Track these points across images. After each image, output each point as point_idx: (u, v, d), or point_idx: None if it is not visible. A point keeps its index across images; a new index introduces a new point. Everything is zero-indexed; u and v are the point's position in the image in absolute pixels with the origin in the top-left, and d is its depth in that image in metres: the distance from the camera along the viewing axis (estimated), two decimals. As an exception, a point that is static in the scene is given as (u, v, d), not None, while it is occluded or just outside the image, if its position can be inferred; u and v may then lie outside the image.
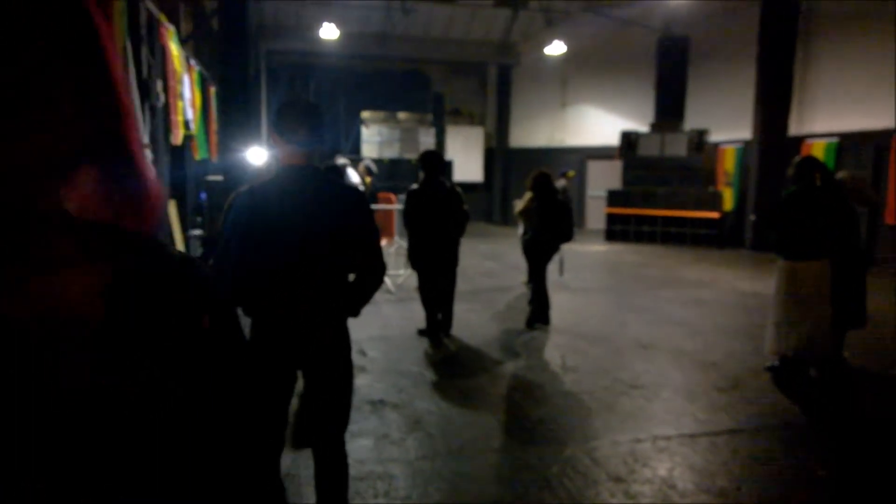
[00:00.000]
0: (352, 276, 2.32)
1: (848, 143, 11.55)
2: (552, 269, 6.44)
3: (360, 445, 3.44)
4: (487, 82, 19.86)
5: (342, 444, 2.37)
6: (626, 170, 14.82)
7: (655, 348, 5.54)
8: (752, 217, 12.90)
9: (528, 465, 3.27)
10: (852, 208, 4.82)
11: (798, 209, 4.58)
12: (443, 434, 3.64)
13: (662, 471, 3.23)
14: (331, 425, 2.34)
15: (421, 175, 5.48)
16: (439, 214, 5.39)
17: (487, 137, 19.55)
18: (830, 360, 4.76)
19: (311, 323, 2.20)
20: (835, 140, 11.72)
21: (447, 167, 5.15)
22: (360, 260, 2.27)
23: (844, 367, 4.94)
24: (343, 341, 2.31)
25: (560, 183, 13.93)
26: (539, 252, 6.27)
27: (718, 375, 4.81)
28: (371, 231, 2.28)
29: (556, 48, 15.42)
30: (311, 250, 2.16)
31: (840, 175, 4.92)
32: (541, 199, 6.15)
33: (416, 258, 5.59)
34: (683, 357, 5.30)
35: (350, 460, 3.17)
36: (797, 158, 4.79)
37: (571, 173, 14.59)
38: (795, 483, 3.18)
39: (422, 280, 5.67)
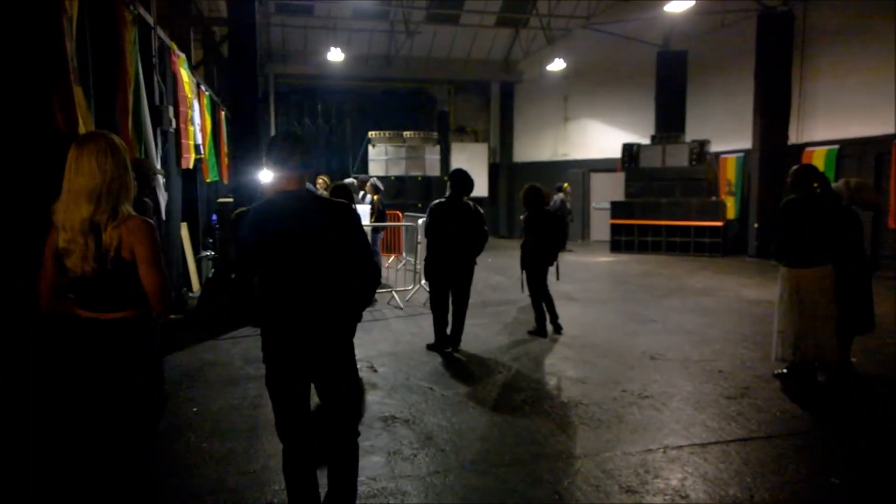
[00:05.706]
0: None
1: (848, 150, 11.59)
2: (549, 278, 6.55)
3: (372, 462, 3.46)
4: (491, 100, 20.05)
5: (356, 436, 2.62)
6: (629, 181, 14.92)
7: (663, 358, 5.56)
8: (755, 225, 12.93)
9: (540, 479, 3.28)
10: (855, 214, 4.84)
11: (798, 216, 4.62)
12: (454, 449, 3.67)
13: (674, 481, 3.24)
14: (343, 425, 2.57)
15: (448, 190, 5.67)
16: (460, 230, 5.52)
17: (491, 153, 19.70)
18: (839, 366, 4.77)
19: (314, 330, 2.41)
20: (835, 147, 11.77)
21: (470, 187, 5.49)
22: (355, 265, 2.49)
23: (852, 373, 4.94)
24: (347, 346, 2.52)
25: (559, 196, 14.06)
26: (535, 261, 6.40)
27: (727, 384, 4.82)
28: (360, 237, 2.51)
29: (557, 65, 15.61)
30: (311, 262, 2.38)
31: (836, 185, 4.95)
32: (532, 211, 6.46)
33: (432, 270, 5.67)
34: (691, 366, 5.32)
35: (362, 477, 3.22)
36: (795, 167, 4.85)
37: (566, 185, 14.78)
38: (808, 491, 3.18)
39: (434, 292, 5.75)
